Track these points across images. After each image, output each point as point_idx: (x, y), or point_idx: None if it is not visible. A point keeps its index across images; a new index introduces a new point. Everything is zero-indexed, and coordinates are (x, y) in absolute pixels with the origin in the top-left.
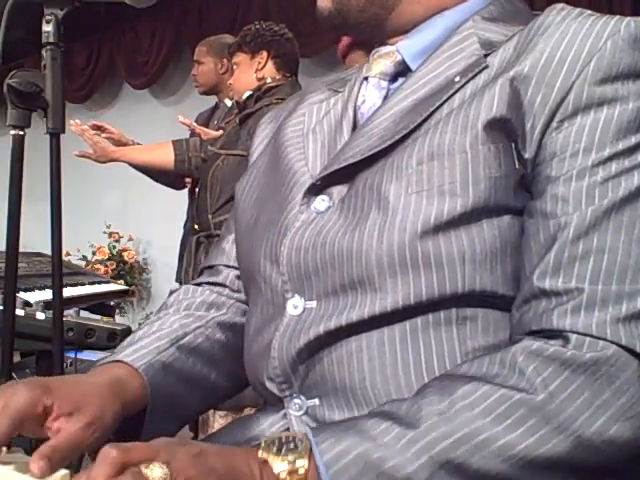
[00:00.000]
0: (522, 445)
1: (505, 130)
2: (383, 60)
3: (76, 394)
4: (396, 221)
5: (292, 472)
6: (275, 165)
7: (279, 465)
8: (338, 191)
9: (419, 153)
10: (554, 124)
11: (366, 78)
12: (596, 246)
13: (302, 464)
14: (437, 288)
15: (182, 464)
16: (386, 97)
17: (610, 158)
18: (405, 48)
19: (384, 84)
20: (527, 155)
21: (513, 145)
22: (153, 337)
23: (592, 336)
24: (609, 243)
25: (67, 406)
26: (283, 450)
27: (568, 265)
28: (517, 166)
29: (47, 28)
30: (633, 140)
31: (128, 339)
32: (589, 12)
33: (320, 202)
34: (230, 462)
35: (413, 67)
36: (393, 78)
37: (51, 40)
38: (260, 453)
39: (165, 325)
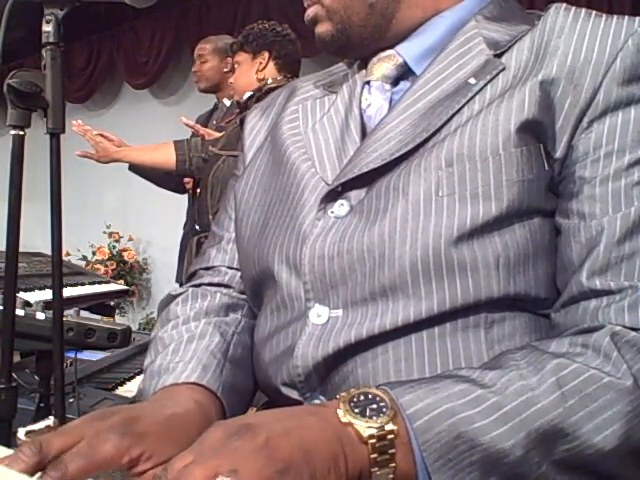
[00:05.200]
0: (608, 430)
1: (536, 132)
2: (384, 63)
3: (167, 442)
4: (430, 225)
5: (380, 438)
6: (277, 164)
7: (367, 430)
8: (355, 195)
9: (448, 155)
10: (584, 124)
11: (367, 82)
12: None
13: (391, 429)
14: (473, 293)
15: (250, 469)
16: (391, 101)
17: None
18: (406, 50)
19: (387, 87)
20: (557, 155)
21: (542, 147)
22: (208, 353)
23: None
24: None
25: (157, 458)
26: (367, 412)
27: (616, 265)
28: (547, 168)
29: (47, 28)
30: None
31: (173, 352)
32: (595, 12)
33: (339, 207)
34: (304, 445)
35: (417, 70)
36: (394, 81)
37: (51, 40)
38: (342, 415)
39: (207, 337)
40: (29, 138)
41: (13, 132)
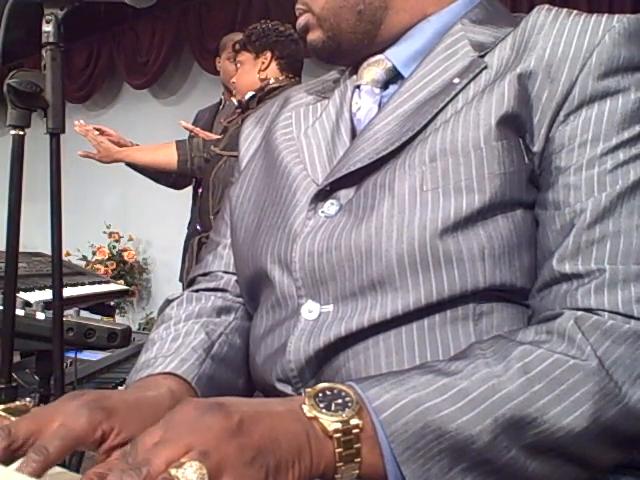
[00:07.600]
0: (577, 412)
1: (515, 125)
2: (374, 68)
3: (136, 419)
4: (415, 219)
5: (346, 432)
6: (270, 169)
7: (332, 424)
8: (345, 194)
9: (431, 150)
10: (560, 117)
11: (358, 87)
12: (612, 230)
13: (356, 423)
14: (459, 284)
15: (221, 454)
16: (380, 104)
17: (617, 147)
18: (394, 55)
19: (377, 91)
20: (535, 149)
21: (521, 140)
22: (189, 348)
23: (619, 313)
24: (624, 226)
25: (125, 434)
26: (333, 406)
27: (586, 249)
28: (527, 161)
29: (47, 28)
30: (637, 128)
31: (157, 350)
32: (576, 11)
33: (329, 206)
34: (274, 433)
35: (405, 73)
36: (384, 85)
37: (51, 40)
38: (307, 410)
39: (191, 335)
40: (29, 138)
41: (13, 132)
